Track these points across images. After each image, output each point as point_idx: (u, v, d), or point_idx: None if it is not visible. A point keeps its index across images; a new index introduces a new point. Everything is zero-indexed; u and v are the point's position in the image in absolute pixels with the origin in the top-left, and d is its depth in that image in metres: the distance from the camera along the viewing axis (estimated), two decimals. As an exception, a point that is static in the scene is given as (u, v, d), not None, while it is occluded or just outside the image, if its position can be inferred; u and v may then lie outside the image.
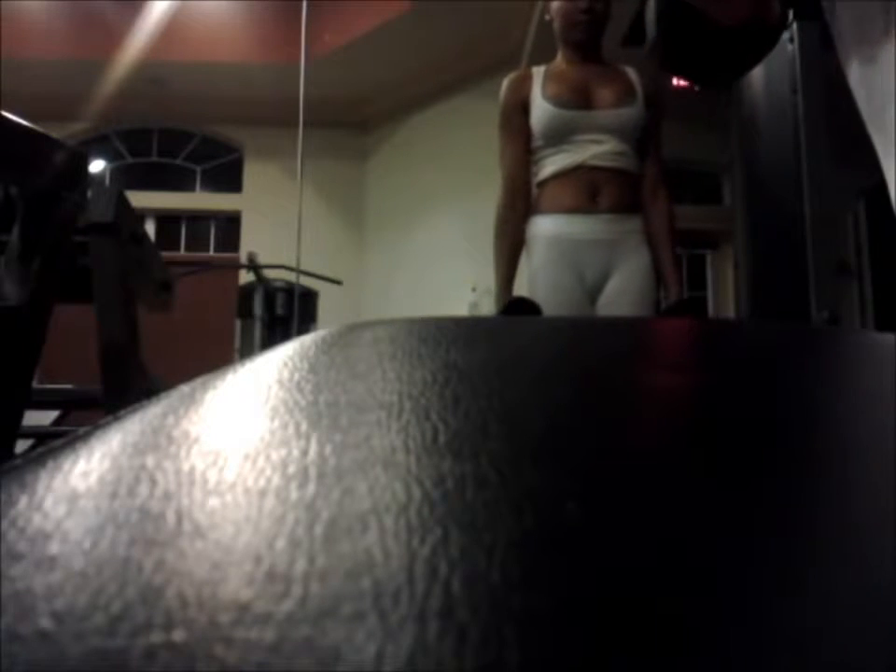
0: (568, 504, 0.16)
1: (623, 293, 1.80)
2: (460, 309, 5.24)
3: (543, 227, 1.82)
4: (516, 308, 1.76)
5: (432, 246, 5.98)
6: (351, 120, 6.68)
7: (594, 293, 1.82)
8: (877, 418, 0.23)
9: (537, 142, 1.83)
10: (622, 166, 1.79)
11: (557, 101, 1.80)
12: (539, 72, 1.87)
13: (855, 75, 0.69)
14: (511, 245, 1.85)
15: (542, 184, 1.85)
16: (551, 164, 1.82)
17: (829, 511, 0.17)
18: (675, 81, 4.88)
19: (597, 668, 0.11)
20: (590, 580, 0.13)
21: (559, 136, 1.79)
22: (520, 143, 1.85)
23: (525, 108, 1.84)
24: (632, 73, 1.86)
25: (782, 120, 2.81)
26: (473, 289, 5.24)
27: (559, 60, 1.91)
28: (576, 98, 1.80)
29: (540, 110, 1.81)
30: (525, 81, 1.86)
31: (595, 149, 1.78)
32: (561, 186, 1.80)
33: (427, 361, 0.27)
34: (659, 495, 0.17)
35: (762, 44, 0.71)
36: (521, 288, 1.87)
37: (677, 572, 0.14)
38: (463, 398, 0.23)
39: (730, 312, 5.40)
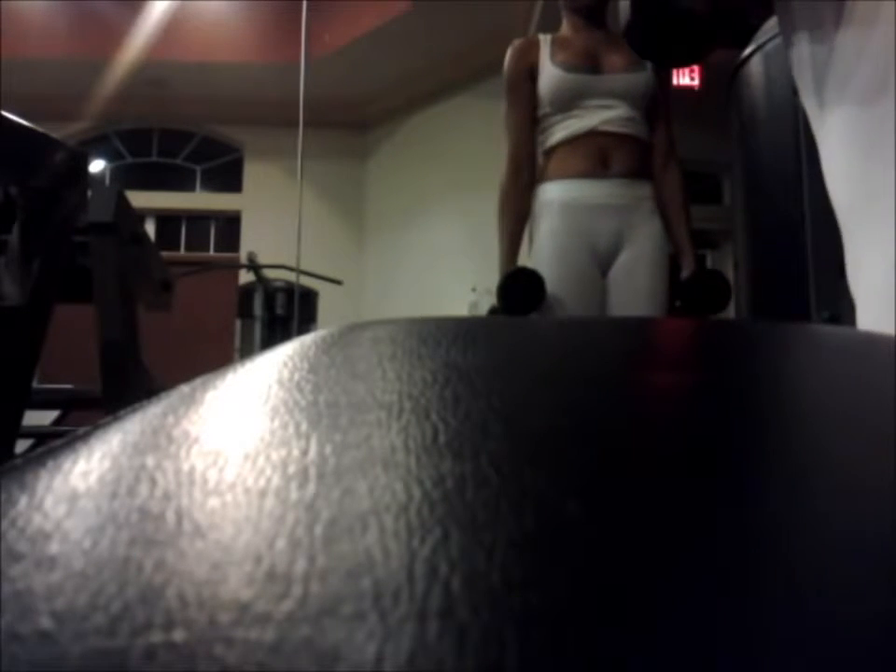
0: (569, 504, 0.16)
1: (636, 263, 1.75)
2: (460, 309, 5.25)
3: (552, 193, 1.77)
4: (516, 277, 1.71)
5: (432, 246, 5.99)
6: (351, 120, 6.68)
7: (605, 264, 1.76)
8: (877, 418, 0.23)
9: (544, 109, 1.79)
10: (632, 132, 1.75)
11: (567, 66, 1.76)
12: (545, 39, 1.83)
13: (805, 72, 0.73)
14: (515, 217, 1.79)
15: (550, 151, 1.80)
16: (560, 131, 1.77)
17: (829, 511, 0.17)
18: (676, 81, 4.88)
19: (597, 669, 0.11)
20: (590, 580, 0.13)
21: (569, 102, 1.75)
22: (526, 111, 1.80)
23: (532, 75, 1.79)
24: None
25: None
26: (473, 289, 5.24)
27: (564, 28, 1.86)
28: (585, 63, 1.76)
29: (550, 75, 1.76)
30: (531, 47, 1.82)
31: (605, 115, 1.74)
32: (571, 151, 1.75)
33: (427, 361, 0.27)
34: (660, 495, 0.17)
35: (730, 27, 0.77)
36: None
37: (678, 572, 0.14)
38: (463, 398, 0.23)
39: (730, 312, 5.40)
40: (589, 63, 1.76)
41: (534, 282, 1.68)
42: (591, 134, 1.74)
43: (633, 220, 1.75)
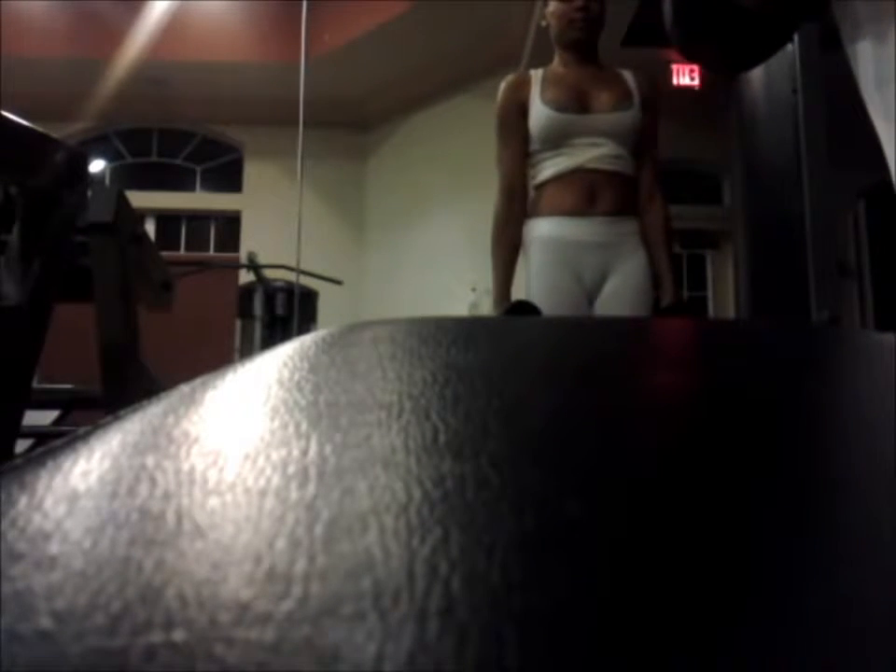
0: (568, 503, 0.16)
1: (620, 294, 1.83)
2: (460, 309, 5.25)
3: (541, 229, 1.84)
4: (517, 311, 1.76)
5: (432, 246, 5.99)
6: (351, 120, 6.68)
7: (592, 294, 1.84)
8: (877, 417, 0.23)
9: (534, 145, 1.85)
10: (619, 169, 1.81)
11: (556, 105, 1.82)
12: (536, 75, 1.88)
13: (862, 55, 0.69)
14: (508, 249, 1.87)
15: (540, 187, 1.86)
16: (548, 167, 1.83)
17: (828, 510, 0.17)
18: (676, 81, 4.89)
19: (597, 668, 0.11)
20: (590, 579, 0.13)
21: (557, 140, 1.81)
22: (518, 146, 1.87)
23: (523, 112, 1.85)
24: (629, 76, 1.87)
25: (782, 120, 2.81)
26: (473, 289, 5.24)
27: (556, 63, 1.92)
28: (574, 102, 1.82)
29: (539, 114, 1.82)
30: (523, 85, 1.87)
31: (592, 152, 1.80)
32: (559, 188, 1.82)
33: (426, 361, 0.27)
34: (658, 494, 0.17)
35: (781, 30, 0.72)
36: (519, 292, 1.88)
37: (676, 571, 0.14)
38: (463, 398, 0.23)
39: (730, 312, 5.40)
40: (577, 102, 1.82)
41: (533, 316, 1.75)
42: (578, 171, 1.81)
43: (617, 254, 1.83)
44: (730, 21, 0.68)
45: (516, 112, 1.86)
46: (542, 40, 1.93)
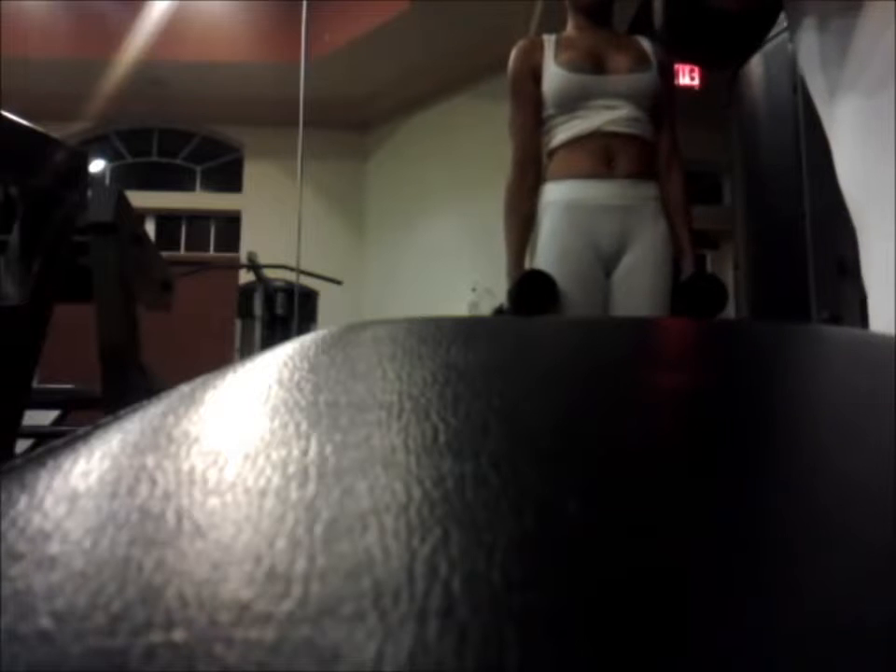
0: (569, 504, 0.16)
1: (640, 265, 1.74)
2: (460, 309, 5.25)
3: (557, 193, 1.76)
4: (530, 280, 1.70)
5: (432, 246, 5.99)
6: (351, 120, 6.68)
7: (609, 265, 1.76)
8: (876, 418, 0.23)
9: (549, 110, 1.78)
10: (637, 132, 1.74)
11: (571, 66, 1.75)
12: (549, 39, 1.82)
13: (807, 38, 0.75)
14: (522, 218, 1.78)
15: (554, 151, 1.79)
16: (564, 131, 1.76)
17: (828, 510, 0.17)
18: (676, 81, 4.89)
19: (597, 669, 0.11)
20: (590, 580, 0.13)
21: (573, 102, 1.75)
22: (531, 112, 1.80)
23: (536, 77, 1.79)
24: (645, 41, 1.81)
25: (782, 120, 2.81)
26: (473, 289, 5.25)
27: (569, 28, 1.86)
28: (589, 63, 1.75)
29: (553, 76, 1.76)
30: (536, 48, 1.81)
31: (609, 115, 1.73)
32: (575, 152, 1.75)
33: (427, 361, 0.27)
34: (660, 495, 0.17)
35: (759, 27, 0.78)
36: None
37: (677, 572, 0.14)
38: (463, 398, 0.23)
39: (730, 312, 5.40)
40: (593, 64, 1.75)
41: (547, 286, 1.68)
42: (595, 135, 1.73)
43: (637, 221, 1.74)
44: (715, 23, 0.74)
45: (529, 77, 1.79)
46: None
